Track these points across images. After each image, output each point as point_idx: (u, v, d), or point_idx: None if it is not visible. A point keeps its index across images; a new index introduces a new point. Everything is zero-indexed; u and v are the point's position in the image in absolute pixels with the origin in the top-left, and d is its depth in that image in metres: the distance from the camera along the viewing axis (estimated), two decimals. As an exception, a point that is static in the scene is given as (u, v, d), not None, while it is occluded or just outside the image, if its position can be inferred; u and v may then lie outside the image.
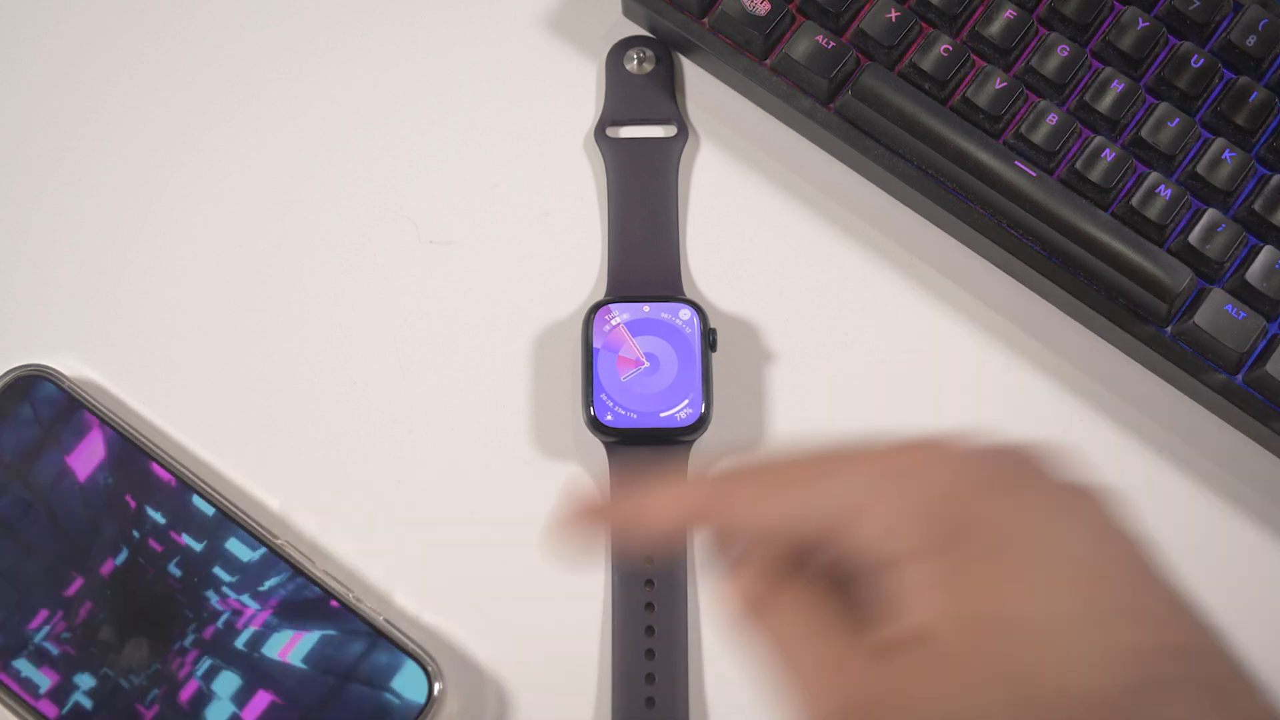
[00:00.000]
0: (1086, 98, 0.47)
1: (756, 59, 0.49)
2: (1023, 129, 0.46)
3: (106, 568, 0.44)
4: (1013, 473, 0.29)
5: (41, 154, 0.50)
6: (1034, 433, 0.46)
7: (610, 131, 0.50)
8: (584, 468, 0.46)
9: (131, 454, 0.45)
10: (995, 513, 0.28)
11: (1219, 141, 0.46)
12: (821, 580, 0.30)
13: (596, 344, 0.46)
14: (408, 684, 0.43)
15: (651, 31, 0.51)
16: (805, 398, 0.47)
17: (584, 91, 0.51)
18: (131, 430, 0.45)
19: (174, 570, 0.44)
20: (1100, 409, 0.47)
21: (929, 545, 0.27)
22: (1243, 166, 0.46)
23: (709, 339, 0.46)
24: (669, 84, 0.50)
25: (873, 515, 0.28)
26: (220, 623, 0.43)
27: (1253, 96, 0.46)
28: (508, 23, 0.51)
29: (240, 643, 0.43)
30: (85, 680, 0.43)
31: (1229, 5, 0.48)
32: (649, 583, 0.45)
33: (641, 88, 0.50)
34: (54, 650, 0.43)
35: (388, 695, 0.42)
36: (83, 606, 0.43)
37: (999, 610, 0.26)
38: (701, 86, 0.51)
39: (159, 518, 0.44)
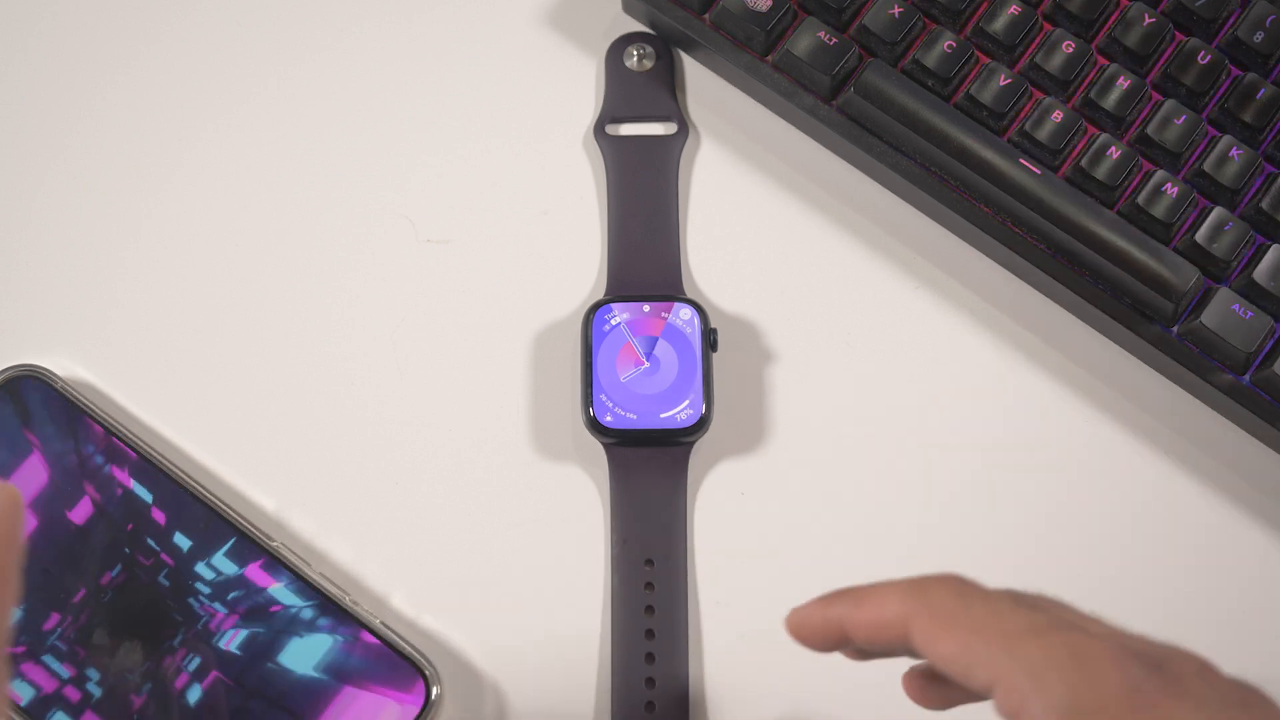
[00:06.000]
0: (1092, 94, 0.46)
1: (758, 55, 0.48)
2: (1027, 126, 0.46)
3: (99, 571, 0.43)
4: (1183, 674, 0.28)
5: (35, 152, 0.50)
6: (1037, 432, 0.47)
7: (610, 129, 0.49)
8: (583, 469, 0.46)
9: (125, 455, 0.44)
10: None
11: (1226, 139, 0.46)
12: None
13: (596, 344, 0.46)
14: (405, 687, 0.42)
15: (652, 28, 0.51)
16: (805, 398, 0.47)
17: (583, 89, 0.50)
18: (125, 431, 0.45)
19: (168, 573, 0.43)
20: (1105, 409, 0.47)
21: None
22: (1250, 164, 0.45)
23: (710, 339, 0.46)
24: (669, 81, 0.50)
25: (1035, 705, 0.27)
26: (215, 626, 0.43)
27: (1260, 93, 0.46)
28: (506, 19, 0.51)
29: (235, 646, 0.43)
30: (78, 684, 0.42)
31: (1236, 1, 0.47)
32: (649, 585, 0.44)
33: (641, 85, 0.50)
34: (47, 655, 0.43)
35: (385, 699, 0.42)
36: (75, 610, 0.43)
37: None
38: (702, 83, 0.50)
39: (154, 520, 0.44)
